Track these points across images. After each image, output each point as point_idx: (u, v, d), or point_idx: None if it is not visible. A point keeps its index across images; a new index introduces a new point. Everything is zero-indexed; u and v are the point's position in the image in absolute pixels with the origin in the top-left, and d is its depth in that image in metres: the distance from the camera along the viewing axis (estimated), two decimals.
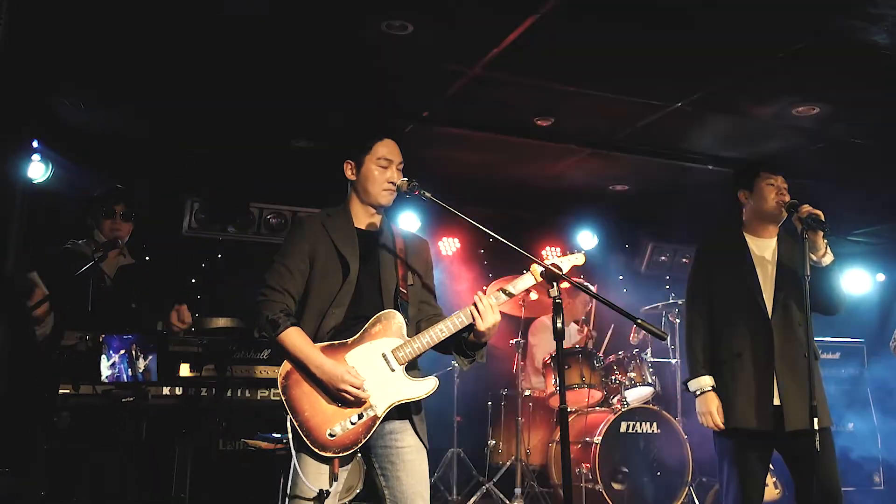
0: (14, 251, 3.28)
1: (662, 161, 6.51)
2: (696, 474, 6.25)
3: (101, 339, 3.89)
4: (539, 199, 7.70)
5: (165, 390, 4.01)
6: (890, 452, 6.61)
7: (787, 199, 3.70)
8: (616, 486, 5.83)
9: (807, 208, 3.53)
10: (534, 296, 6.86)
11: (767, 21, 4.15)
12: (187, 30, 4.43)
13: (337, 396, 2.81)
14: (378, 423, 2.85)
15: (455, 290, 7.35)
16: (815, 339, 3.55)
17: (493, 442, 6.72)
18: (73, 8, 4.16)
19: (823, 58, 4.55)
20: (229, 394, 4.25)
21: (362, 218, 3.12)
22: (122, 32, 4.46)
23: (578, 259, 3.16)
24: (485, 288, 3.06)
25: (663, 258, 8.59)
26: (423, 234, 7.22)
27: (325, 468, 2.80)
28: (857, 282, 8.44)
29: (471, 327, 2.94)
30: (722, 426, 3.66)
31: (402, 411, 2.94)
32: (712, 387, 3.71)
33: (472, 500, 6.18)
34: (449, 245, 7.81)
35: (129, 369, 3.93)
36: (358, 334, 2.92)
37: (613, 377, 6.35)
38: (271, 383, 4.76)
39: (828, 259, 3.61)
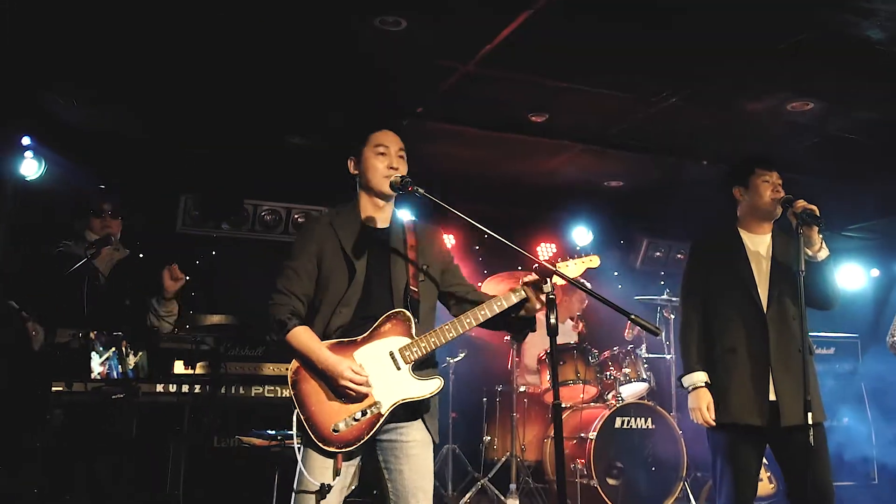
0: (2, 248, 3.27)
1: (657, 157, 6.51)
2: (691, 469, 6.26)
3: (91, 337, 3.89)
4: (533, 195, 7.70)
5: (159, 387, 4.01)
6: (884, 447, 6.63)
7: (782, 194, 3.70)
8: (611, 481, 5.84)
9: (801, 203, 3.53)
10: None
11: (761, 17, 4.15)
12: (180, 27, 4.41)
13: (341, 392, 2.82)
14: (382, 420, 2.86)
15: None
16: (810, 333, 3.56)
17: (489, 438, 6.73)
18: (67, 5, 4.14)
19: (817, 53, 4.54)
20: (223, 391, 4.25)
21: (370, 213, 3.11)
22: (116, 30, 4.44)
23: (593, 262, 3.16)
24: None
25: (658, 254, 8.60)
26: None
27: (329, 462, 2.82)
28: (851, 277, 8.45)
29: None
30: (712, 423, 3.66)
31: (412, 412, 2.95)
32: (705, 383, 3.71)
33: (468, 495, 6.18)
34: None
35: (120, 366, 3.93)
36: (367, 332, 2.92)
37: (608, 373, 6.37)
38: (265, 380, 4.77)
39: (822, 254, 3.61)
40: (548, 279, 2.86)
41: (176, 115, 5.79)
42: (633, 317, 2.87)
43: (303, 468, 2.80)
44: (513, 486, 6.08)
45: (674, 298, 6.59)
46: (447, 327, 2.95)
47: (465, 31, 4.46)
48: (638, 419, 6.05)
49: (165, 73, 5.03)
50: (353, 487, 5.03)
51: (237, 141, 6.18)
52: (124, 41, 4.59)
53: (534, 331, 3.16)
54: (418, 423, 2.96)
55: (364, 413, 2.84)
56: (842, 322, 6.84)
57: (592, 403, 6.43)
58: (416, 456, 2.93)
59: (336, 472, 2.81)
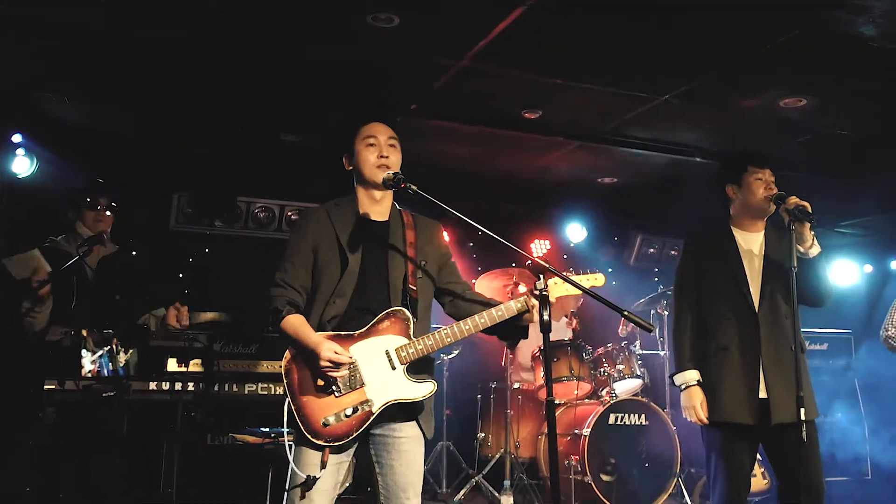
0: None
1: (650, 154, 6.51)
2: (685, 466, 6.27)
3: (82, 334, 3.87)
4: (527, 191, 7.69)
5: (152, 385, 4.00)
6: (877, 443, 6.65)
7: (774, 192, 3.70)
8: (605, 477, 5.85)
9: (794, 200, 3.53)
10: (522, 289, 6.86)
11: (755, 13, 4.15)
12: (173, 25, 4.40)
13: (322, 374, 2.80)
14: (372, 418, 2.85)
15: None
16: (803, 330, 3.57)
17: (483, 435, 6.73)
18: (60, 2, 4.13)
19: (810, 50, 4.54)
20: (217, 388, 4.24)
21: (368, 206, 3.10)
22: (109, 26, 4.42)
23: (598, 280, 3.14)
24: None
25: (652, 250, 8.61)
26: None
27: (317, 456, 2.81)
28: (844, 273, 8.48)
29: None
30: (705, 420, 3.67)
31: (407, 412, 2.94)
32: (697, 381, 3.72)
33: (462, 492, 6.19)
34: None
35: (110, 364, 3.92)
36: (365, 328, 2.91)
37: (602, 369, 6.38)
38: (259, 378, 4.76)
39: (815, 251, 3.62)
40: (540, 276, 2.85)
41: (169, 113, 5.77)
42: (626, 313, 2.87)
43: (292, 461, 2.81)
44: (507, 483, 6.09)
45: (668, 292, 6.59)
46: (446, 332, 2.95)
47: (458, 28, 4.45)
48: (632, 415, 6.06)
49: (159, 70, 5.01)
50: (347, 485, 5.04)
51: (230, 138, 6.16)
52: (118, 38, 4.57)
53: (525, 338, 3.17)
54: (411, 422, 2.96)
55: (355, 410, 2.83)
56: (835, 318, 6.88)
57: (586, 400, 6.44)
58: (407, 452, 2.93)
59: (322, 465, 2.80)
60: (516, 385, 6.57)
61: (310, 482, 2.78)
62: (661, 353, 6.87)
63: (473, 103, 5.60)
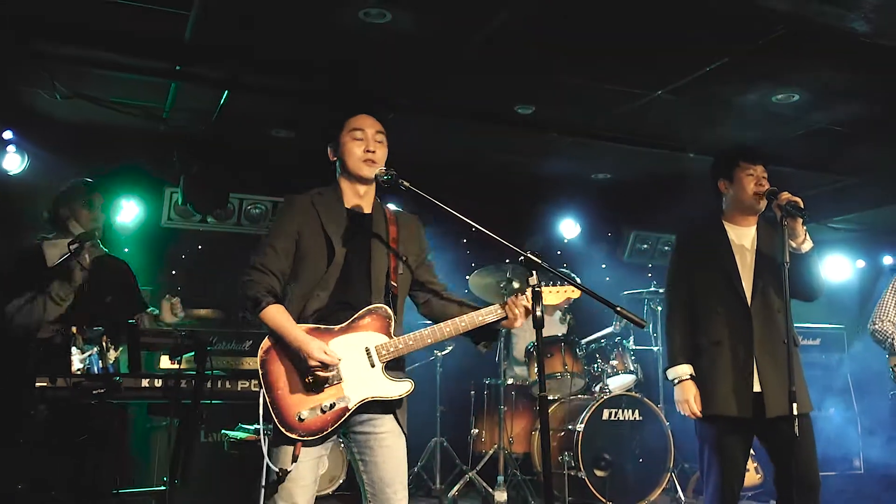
0: None
1: (643, 150, 6.52)
2: (678, 461, 6.29)
3: (72, 332, 3.86)
4: (521, 187, 7.70)
5: (144, 382, 3.98)
6: (869, 438, 6.68)
7: (766, 187, 3.71)
8: (599, 473, 5.86)
9: (786, 195, 3.53)
10: (515, 285, 6.85)
11: (746, 9, 4.15)
12: (165, 21, 4.38)
13: (310, 373, 2.77)
14: (348, 414, 2.82)
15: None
16: (796, 325, 3.57)
17: (476, 431, 6.73)
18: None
19: (802, 45, 4.55)
20: (209, 385, 4.22)
21: (351, 198, 3.05)
22: (104, 24, 4.41)
23: (574, 293, 3.12)
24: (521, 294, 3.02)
25: (645, 246, 8.62)
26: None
27: (289, 449, 2.77)
28: (837, 268, 8.50)
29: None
30: (699, 414, 3.68)
31: (384, 407, 2.92)
32: (690, 375, 3.72)
33: (456, 488, 6.19)
34: (431, 234, 7.78)
35: (100, 361, 3.90)
36: (345, 323, 2.88)
37: (596, 365, 6.38)
38: (252, 374, 4.74)
39: (807, 246, 3.62)
40: (533, 272, 2.85)
41: (163, 108, 5.75)
42: (619, 309, 2.87)
43: (266, 454, 2.77)
44: (501, 479, 6.09)
45: (660, 290, 6.60)
46: (426, 332, 2.94)
47: (450, 23, 4.44)
48: (625, 411, 6.07)
49: (153, 68, 5.00)
50: (341, 482, 5.03)
51: (222, 134, 6.15)
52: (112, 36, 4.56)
53: (496, 340, 3.15)
54: (390, 416, 2.94)
55: (332, 405, 2.79)
56: (828, 313, 6.90)
57: (580, 395, 6.45)
58: (390, 447, 2.92)
59: (294, 459, 2.75)
60: (510, 381, 6.57)
61: (282, 476, 2.74)
62: (655, 348, 6.89)
63: (466, 99, 5.60)
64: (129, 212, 6.03)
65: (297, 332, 2.79)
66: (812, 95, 5.35)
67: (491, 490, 6.10)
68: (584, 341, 6.63)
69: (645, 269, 8.56)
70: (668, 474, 5.98)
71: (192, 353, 4.08)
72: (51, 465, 3.90)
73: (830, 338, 7.01)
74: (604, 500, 5.74)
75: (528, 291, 2.89)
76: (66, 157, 5.82)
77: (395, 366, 2.95)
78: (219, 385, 4.32)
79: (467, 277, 6.81)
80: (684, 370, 3.73)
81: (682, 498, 6.03)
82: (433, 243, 7.85)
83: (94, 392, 3.72)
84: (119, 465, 4.17)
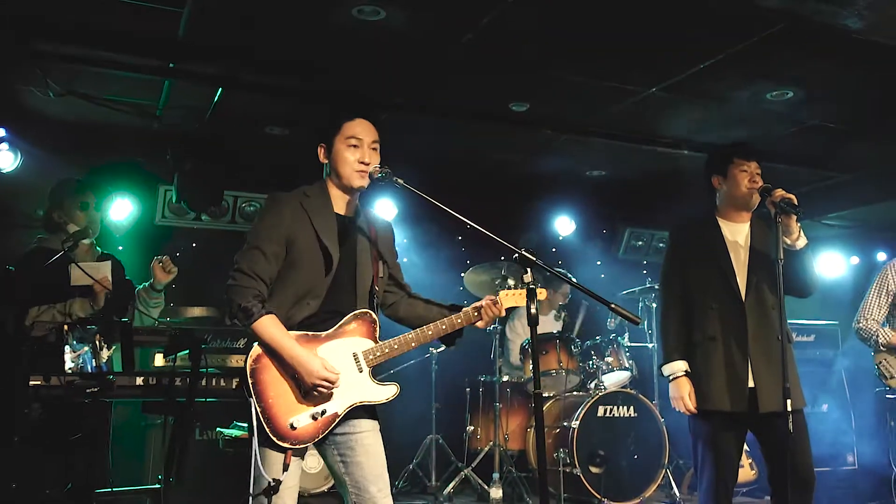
0: None
1: (638, 146, 6.52)
2: (673, 457, 6.32)
3: (65, 330, 3.85)
4: (515, 185, 7.70)
5: (139, 380, 3.97)
6: (863, 433, 6.69)
7: (760, 184, 3.71)
8: (594, 469, 5.87)
9: (780, 192, 3.54)
10: (510, 282, 6.86)
11: (741, 6, 4.15)
12: (159, 20, 4.37)
13: (307, 389, 2.75)
14: (338, 420, 2.82)
15: (433, 278, 7.33)
16: (790, 321, 3.58)
17: (472, 428, 6.74)
18: None
19: (796, 42, 4.56)
20: (204, 383, 4.22)
21: (339, 203, 3.00)
22: (96, 21, 4.39)
23: (542, 293, 3.15)
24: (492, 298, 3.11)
25: (640, 243, 8.64)
26: (400, 220, 7.28)
27: (280, 458, 2.74)
28: (831, 265, 8.52)
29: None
30: (694, 410, 3.69)
31: (366, 410, 2.91)
32: (685, 371, 3.73)
33: (451, 485, 6.20)
34: (426, 231, 7.79)
35: (94, 359, 3.90)
36: (332, 329, 2.87)
37: (591, 362, 6.39)
38: None
39: (801, 243, 3.63)
40: (528, 269, 2.85)
41: (157, 106, 5.74)
42: (613, 306, 2.88)
43: (259, 464, 2.70)
44: (496, 476, 6.10)
45: (655, 287, 6.62)
46: (411, 336, 2.96)
47: (444, 21, 4.43)
48: (620, 407, 6.09)
49: (146, 65, 4.98)
50: (332, 483, 5.01)
51: (216, 131, 6.13)
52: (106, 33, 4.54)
53: (461, 336, 3.15)
54: (366, 414, 2.93)
55: (323, 412, 2.78)
56: (822, 309, 6.90)
57: (575, 392, 6.46)
58: (371, 445, 2.89)
59: (285, 468, 2.73)
60: (505, 378, 6.58)
61: (275, 487, 2.69)
62: (650, 345, 6.90)
63: (460, 96, 5.59)
64: (122, 210, 6.01)
65: (296, 349, 2.74)
66: (806, 92, 5.36)
67: (486, 487, 6.11)
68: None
69: (640, 266, 8.57)
70: (663, 470, 6.00)
71: (187, 351, 4.08)
72: (45, 464, 3.89)
73: (824, 334, 7.02)
74: (599, 497, 5.76)
75: (502, 296, 3.07)
76: (60, 155, 5.81)
77: (378, 370, 2.96)
78: (213, 383, 4.32)
79: (462, 275, 6.81)
80: (679, 366, 3.74)
81: (677, 494, 6.05)
82: (428, 240, 7.90)
83: (88, 391, 3.72)
84: (113, 463, 4.17)
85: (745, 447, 3.80)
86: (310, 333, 2.83)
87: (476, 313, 3.05)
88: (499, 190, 7.77)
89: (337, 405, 2.81)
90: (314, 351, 2.80)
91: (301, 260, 2.86)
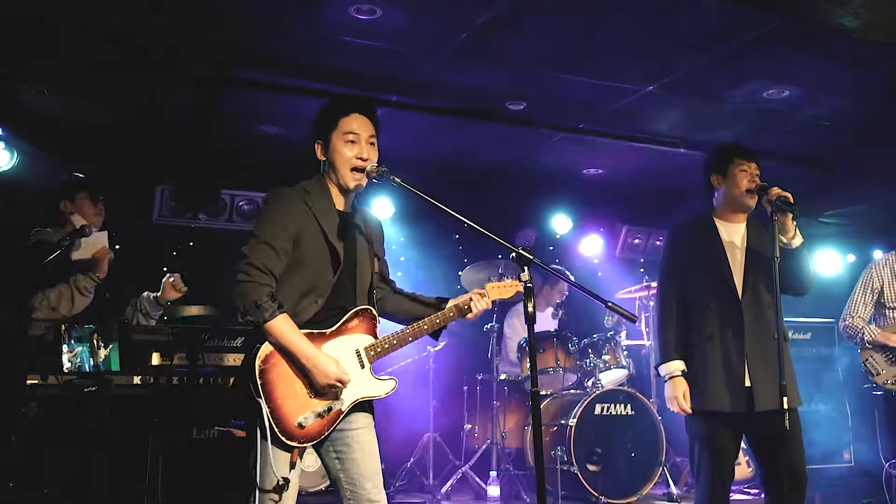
0: None
1: (635, 145, 6.53)
2: (670, 455, 6.32)
3: (62, 329, 3.85)
4: (512, 183, 7.70)
5: (136, 379, 3.97)
6: (860, 431, 6.70)
7: (758, 184, 3.72)
8: (591, 467, 5.88)
9: (776, 191, 3.55)
10: (507, 280, 6.85)
11: (738, 4, 4.16)
12: (149, 17, 4.37)
13: (319, 388, 2.76)
14: (342, 417, 2.83)
15: (430, 277, 7.34)
16: (787, 319, 3.58)
17: (469, 426, 6.75)
18: None
19: (792, 41, 4.57)
20: (201, 381, 4.22)
21: (338, 199, 2.98)
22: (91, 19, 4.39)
23: (518, 286, 3.21)
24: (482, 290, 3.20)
25: (637, 241, 8.64)
26: (397, 219, 7.28)
27: (287, 456, 2.75)
28: (828, 263, 8.53)
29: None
30: (689, 410, 3.69)
31: (363, 405, 2.93)
32: (681, 371, 3.74)
33: (449, 483, 6.20)
34: (424, 230, 7.79)
35: (91, 359, 3.89)
36: (335, 326, 2.87)
37: (588, 360, 6.40)
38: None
39: (797, 241, 3.64)
40: (525, 267, 2.85)
41: (151, 105, 5.73)
42: (609, 304, 2.89)
43: (270, 462, 2.70)
44: (493, 474, 6.11)
45: (652, 285, 6.62)
46: (407, 331, 2.99)
47: (441, 19, 4.44)
48: (618, 406, 6.09)
49: (142, 64, 4.98)
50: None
51: (213, 130, 6.12)
52: (100, 31, 4.54)
53: (444, 328, 3.18)
54: (364, 412, 2.95)
55: (329, 409, 2.79)
56: (818, 307, 6.91)
57: (572, 390, 6.47)
58: (366, 442, 2.91)
59: (292, 466, 2.74)
60: (503, 376, 6.59)
61: (285, 485, 2.70)
62: (647, 343, 6.91)
63: (457, 95, 5.60)
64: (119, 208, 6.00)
65: (312, 350, 2.74)
66: (803, 91, 5.37)
67: (484, 485, 6.11)
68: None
69: (637, 265, 8.58)
70: (660, 468, 6.01)
71: (184, 350, 4.08)
72: (42, 463, 3.89)
73: (821, 332, 7.03)
74: (596, 495, 5.76)
75: (489, 288, 3.19)
76: (56, 154, 5.80)
77: (376, 367, 2.97)
78: (210, 381, 4.32)
79: (459, 273, 6.81)
80: (676, 366, 3.75)
81: (674, 491, 6.06)
82: (426, 239, 7.90)
83: (86, 390, 3.72)
84: (110, 462, 4.16)
85: (742, 445, 3.80)
86: (315, 331, 2.84)
87: (466, 307, 3.12)
88: (495, 188, 7.78)
89: (341, 402, 2.83)
90: (320, 349, 2.81)
91: (308, 258, 2.85)
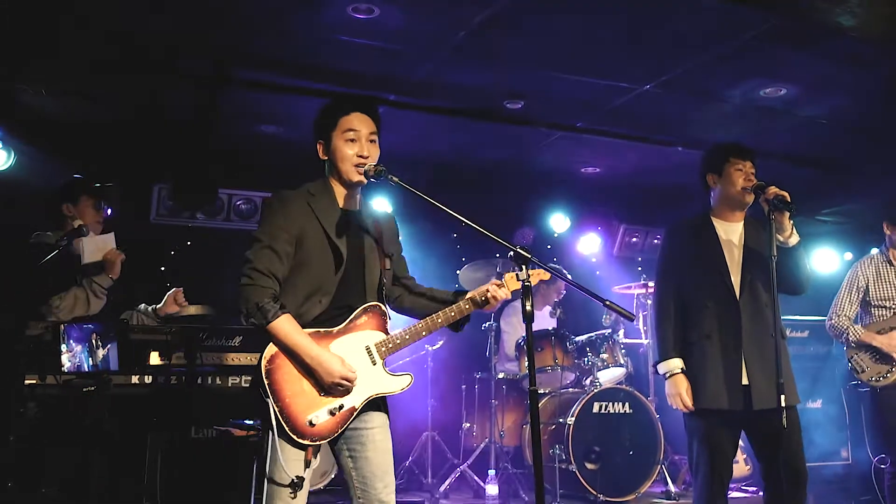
0: None
1: (632, 143, 6.53)
2: (669, 453, 6.33)
3: (61, 329, 3.84)
4: (510, 182, 7.71)
5: (134, 379, 3.97)
6: (858, 429, 6.71)
7: (755, 183, 3.73)
8: (589, 465, 5.89)
9: (773, 190, 3.55)
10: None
11: (735, 2, 4.16)
12: (149, 17, 4.37)
13: (326, 387, 2.76)
14: (355, 414, 2.83)
15: (428, 276, 7.34)
16: (785, 317, 3.60)
17: (468, 424, 6.76)
18: None
19: (790, 40, 4.58)
20: (200, 381, 4.23)
21: (343, 197, 3.00)
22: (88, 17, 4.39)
23: (544, 274, 3.17)
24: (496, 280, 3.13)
25: (635, 239, 8.66)
26: (395, 218, 7.26)
27: (301, 454, 2.76)
28: (825, 261, 8.54)
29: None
30: (691, 407, 3.70)
31: (376, 403, 2.93)
32: (681, 369, 3.75)
33: (447, 482, 6.21)
34: (422, 229, 7.79)
35: (90, 358, 3.89)
36: (343, 324, 2.87)
37: (586, 358, 6.41)
38: (242, 370, 4.75)
39: (794, 240, 3.65)
40: (523, 266, 2.85)
41: (149, 105, 5.73)
42: (607, 302, 2.89)
43: (280, 460, 2.72)
44: (492, 472, 6.11)
45: (650, 284, 6.64)
46: (420, 325, 2.97)
47: (438, 18, 4.44)
48: (616, 404, 6.10)
49: (140, 63, 4.98)
50: (333, 476, 5.02)
51: (210, 129, 6.13)
52: (97, 31, 4.54)
53: (467, 322, 3.16)
54: (379, 411, 2.95)
55: (341, 407, 2.79)
56: (816, 306, 6.91)
57: (570, 389, 6.48)
58: (380, 441, 2.91)
59: (307, 464, 2.75)
60: (501, 375, 6.59)
61: (299, 483, 2.71)
62: (645, 341, 6.92)
63: (455, 94, 5.60)
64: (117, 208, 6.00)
65: (315, 349, 2.75)
66: (800, 89, 5.38)
67: (482, 483, 6.12)
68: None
69: (635, 263, 8.59)
70: (659, 466, 6.01)
71: (182, 350, 4.08)
72: (41, 463, 3.89)
73: (819, 330, 7.02)
74: (594, 493, 5.77)
75: (508, 278, 3.07)
76: (54, 154, 5.79)
77: (389, 361, 2.97)
78: (209, 381, 4.32)
79: (458, 272, 6.82)
80: (676, 364, 3.76)
81: (672, 489, 6.07)
82: (424, 238, 7.90)
83: (85, 389, 3.72)
84: (109, 461, 4.17)
85: (740, 443, 3.81)
86: (322, 330, 2.84)
87: (483, 298, 3.06)
88: (493, 187, 7.79)
89: (354, 399, 2.83)
90: (328, 347, 2.81)
91: (311, 258, 2.86)
